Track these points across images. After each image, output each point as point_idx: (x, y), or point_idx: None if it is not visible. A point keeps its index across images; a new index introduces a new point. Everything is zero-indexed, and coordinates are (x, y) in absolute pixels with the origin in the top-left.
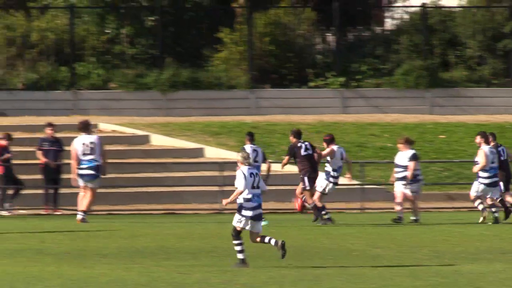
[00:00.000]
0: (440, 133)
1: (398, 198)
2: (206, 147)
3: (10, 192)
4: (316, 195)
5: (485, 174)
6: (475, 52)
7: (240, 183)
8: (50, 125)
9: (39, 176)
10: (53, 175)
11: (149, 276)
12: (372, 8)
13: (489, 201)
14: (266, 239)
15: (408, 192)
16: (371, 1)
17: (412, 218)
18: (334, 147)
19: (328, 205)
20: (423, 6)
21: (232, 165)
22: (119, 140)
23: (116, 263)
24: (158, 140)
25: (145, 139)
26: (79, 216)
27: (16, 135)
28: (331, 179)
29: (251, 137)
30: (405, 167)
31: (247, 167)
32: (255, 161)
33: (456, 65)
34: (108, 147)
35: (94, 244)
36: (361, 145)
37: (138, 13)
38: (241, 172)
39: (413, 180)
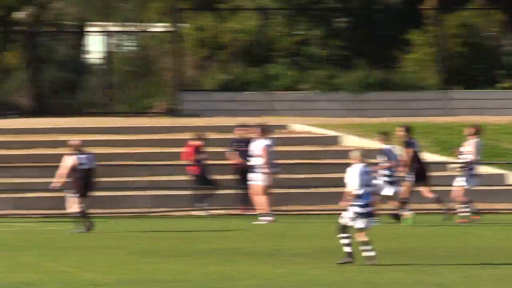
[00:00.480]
0: None
1: None
2: (397, 147)
3: (204, 192)
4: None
5: None
6: None
7: (352, 180)
8: (241, 126)
9: (231, 177)
10: (246, 175)
11: (342, 276)
12: None
13: None
14: (364, 245)
15: None
16: None
17: None
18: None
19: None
20: None
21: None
22: (311, 141)
23: (309, 262)
24: (350, 141)
25: (336, 140)
26: (266, 218)
27: (209, 135)
28: None
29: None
30: None
31: (361, 164)
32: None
33: None
34: (299, 148)
35: (288, 244)
36: None
37: (329, 15)
38: (354, 170)
39: None
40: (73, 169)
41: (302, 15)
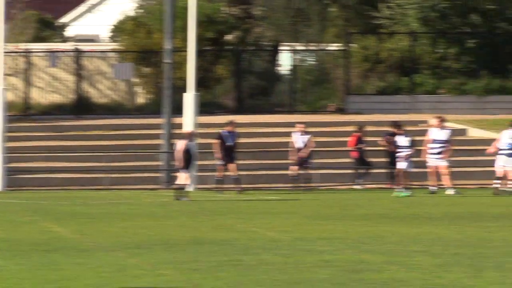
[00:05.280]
0: None
1: None
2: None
3: (362, 171)
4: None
5: None
6: None
7: None
8: (395, 123)
9: (382, 159)
10: (393, 158)
11: (463, 234)
12: None
13: None
14: None
15: None
16: None
17: None
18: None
19: None
20: None
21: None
22: None
23: (440, 224)
24: (475, 133)
25: (463, 132)
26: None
27: (368, 128)
28: None
29: None
30: None
31: None
32: None
33: None
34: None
35: (424, 210)
36: None
37: (461, 37)
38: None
39: None
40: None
41: (442, 37)
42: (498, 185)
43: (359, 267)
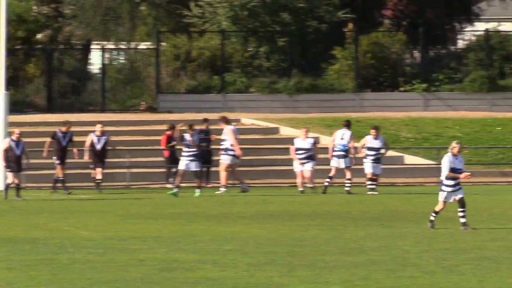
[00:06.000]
0: (497, 126)
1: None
2: (322, 136)
3: (174, 170)
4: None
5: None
6: None
7: None
8: (205, 120)
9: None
10: (206, 157)
11: (277, 233)
12: (448, 32)
13: None
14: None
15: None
16: (447, 26)
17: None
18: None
19: (411, 180)
20: (487, 30)
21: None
22: (256, 131)
23: (252, 223)
24: (285, 131)
25: (275, 130)
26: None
27: (180, 127)
28: None
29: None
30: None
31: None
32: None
33: (510, 75)
34: (248, 136)
35: (236, 209)
36: (438, 135)
37: (272, 35)
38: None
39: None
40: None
41: (252, 36)
42: (328, 183)
43: (172, 266)
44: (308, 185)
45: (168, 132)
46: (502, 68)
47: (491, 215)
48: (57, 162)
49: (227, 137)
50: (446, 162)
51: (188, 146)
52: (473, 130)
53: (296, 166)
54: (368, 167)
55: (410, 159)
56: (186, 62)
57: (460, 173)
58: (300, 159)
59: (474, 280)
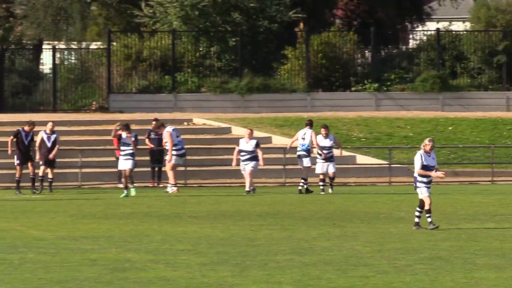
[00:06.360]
0: (449, 125)
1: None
2: (273, 136)
3: None
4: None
5: None
6: (476, 64)
7: None
8: (155, 119)
9: (147, 158)
10: (157, 156)
11: (229, 232)
12: (399, 32)
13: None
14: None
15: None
16: (398, 26)
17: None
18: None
19: (363, 180)
20: (438, 30)
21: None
22: (208, 131)
23: (204, 223)
24: (237, 131)
25: (227, 130)
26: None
27: (131, 127)
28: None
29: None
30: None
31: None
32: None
33: (462, 75)
34: (200, 136)
35: (188, 209)
36: (389, 135)
37: (223, 35)
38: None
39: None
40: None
41: (203, 35)
42: (302, 185)
43: (124, 266)
44: (246, 187)
45: (119, 132)
46: (453, 68)
47: (443, 215)
48: (17, 162)
49: (167, 139)
50: (418, 159)
51: (124, 145)
52: (424, 130)
53: (242, 167)
54: (319, 167)
55: (362, 159)
56: (137, 62)
57: (432, 170)
58: (243, 160)
59: (427, 280)
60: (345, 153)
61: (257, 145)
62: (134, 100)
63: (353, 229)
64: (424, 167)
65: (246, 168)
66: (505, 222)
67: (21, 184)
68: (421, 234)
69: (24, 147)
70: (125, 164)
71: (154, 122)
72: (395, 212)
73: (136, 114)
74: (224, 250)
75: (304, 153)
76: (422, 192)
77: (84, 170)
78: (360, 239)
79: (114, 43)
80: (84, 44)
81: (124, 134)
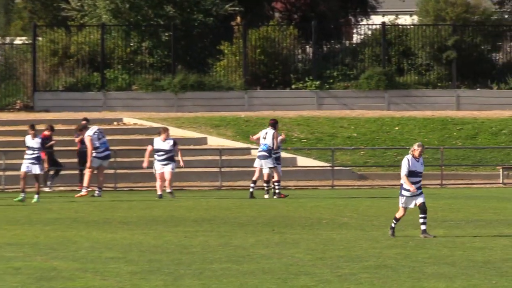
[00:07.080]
0: (395, 125)
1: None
2: (209, 137)
3: (52, 172)
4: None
5: None
6: (424, 61)
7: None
8: (85, 119)
9: (75, 160)
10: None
11: (162, 239)
12: (342, 26)
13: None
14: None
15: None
16: (341, 20)
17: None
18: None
19: (304, 183)
20: (383, 24)
21: (229, 151)
22: (140, 131)
23: (135, 229)
24: (171, 131)
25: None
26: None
27: (57, 127)
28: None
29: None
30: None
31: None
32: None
33: (409, 71)
34: (131, 137)
35: (118, 214)
36: (332, 135)
37: (156, 30)
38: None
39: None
40: None
41: (134, 30)
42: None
43: (50, 275)
44: (166, 189)
45: (46, 133)
46: (400, 64)
47: (389, 220)
48: None
49: (87, 143)
50: (405, 164)
51: (29, 148)
52: (369, 130)
53: (156, 168)
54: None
55: (303, 161)
56: (64, 58)
57: (419, 176)
58: (159, 160)
59: None
60: (285, 155)
61: (175, 145)
62: (61, 99)
63: (294, 235)
64: (411, 173)
65: (165, 169)
66: (455, 228)
67: None
68: (366, 241)
69: None
70: (30, 168)
71: (83, 122)
72: (338, 217)
73: (63, 114)
74: (156, 258)
75: (265, 153)
76: (402, 201)
77: (8, 173)
78: (301, 246)
79: (40, 38)
80: (8, 39)
81: (29, 137)
